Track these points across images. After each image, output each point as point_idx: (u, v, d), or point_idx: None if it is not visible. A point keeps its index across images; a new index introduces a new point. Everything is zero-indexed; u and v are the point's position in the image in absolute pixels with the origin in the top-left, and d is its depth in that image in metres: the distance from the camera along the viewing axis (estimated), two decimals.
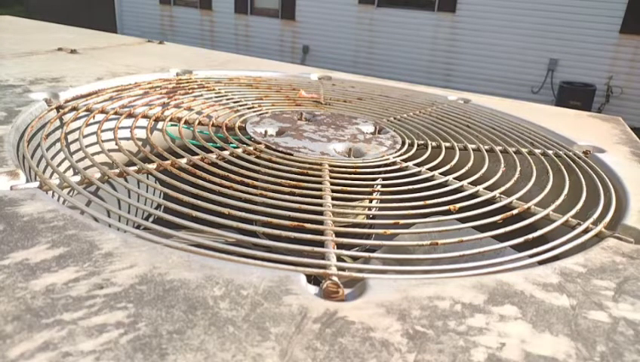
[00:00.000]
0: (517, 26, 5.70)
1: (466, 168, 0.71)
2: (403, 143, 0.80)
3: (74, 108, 0.78)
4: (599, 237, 0.53)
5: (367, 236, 0.77)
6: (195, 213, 0.48)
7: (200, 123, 0.81)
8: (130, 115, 0.79)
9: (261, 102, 0.96)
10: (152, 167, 0.60)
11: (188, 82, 1.02)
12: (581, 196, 0.63)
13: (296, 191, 0.57)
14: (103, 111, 0.78)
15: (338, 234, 0.49)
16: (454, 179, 0.66)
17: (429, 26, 6.17)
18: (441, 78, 6.24)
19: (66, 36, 1.53)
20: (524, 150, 0.80)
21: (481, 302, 0.38)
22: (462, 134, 0.87)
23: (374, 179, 0.68)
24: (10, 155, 0.57)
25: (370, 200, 0.74)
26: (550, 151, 0.80)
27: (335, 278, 0.40)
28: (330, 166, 0.66)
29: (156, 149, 0.66)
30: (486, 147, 0.80)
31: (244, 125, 0.79)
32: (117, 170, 0.56)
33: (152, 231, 0.44)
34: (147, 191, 0.53)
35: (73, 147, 0.78)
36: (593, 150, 0.83)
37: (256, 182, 0.58)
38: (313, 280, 0.40)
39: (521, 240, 0.50)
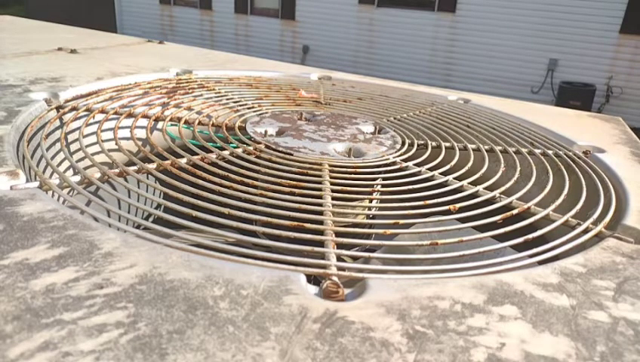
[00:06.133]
0: (517, 26, 5.70)
1: (466, 168, 0.71)
2: (403, 143, 0.80)
3: (74, 108, 0.78)
4: (599, 237, 0.53)
5: (367, 236, 0.77)
6: (195, 213, 0.48)
7: (200, 123, 0.81)
8: (130, 115, 0.79)
9: (261, 102, 0.96)
10: (152, 166, 0.60)
11: (188, 82, 1.02)
12: (581, 196, 0.63)
13: (296, 191, 0.57)
14: (102, 111, 0.78)
15: (338, 234, 0.49)
16: (454, 179, 0.66)
17: (429, 26, 6.17)
18: (441, 78, 6.23)
19: (66, 36, 1.53)
20: (524, 150, 0.80)
21: (481, 302, 0.38)
22: (462, 134, 0.87)
23: (374, 179, 0.68)
24: (10, 155, 0.57)
25: (370, 200, 0.74)
26: (550, 151, 0.80)
27: (335, 278, 0.40)
28: (330, 166, 0.66)
29: (156, 149, 0.66)
30: (486, 147, 0.80)
31: (244, 125, 0.79)
32: (117, 170, 0.56)
33: (152, 231, 0.44)
34: (147, 191, 0.53)
35: (73, 147, 0.78)
36: (593, 150, 0.83)
37: (256, 182, 0.58)
38: (313, 280, 0.40)
39: (520, 240, 0.50)
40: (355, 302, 0.37)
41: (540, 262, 0.46)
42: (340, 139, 0.77)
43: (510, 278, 0.42)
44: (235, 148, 0.69)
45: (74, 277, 0.36)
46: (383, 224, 0.57)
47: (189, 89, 0.97)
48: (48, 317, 0.32)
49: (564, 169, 0.73)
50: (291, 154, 0.69)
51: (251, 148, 0.70)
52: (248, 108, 0.91)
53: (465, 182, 0.65)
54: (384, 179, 0.67)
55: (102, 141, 0.65)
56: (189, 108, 0.87)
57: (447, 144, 0.81)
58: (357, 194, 0.63)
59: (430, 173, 0.68)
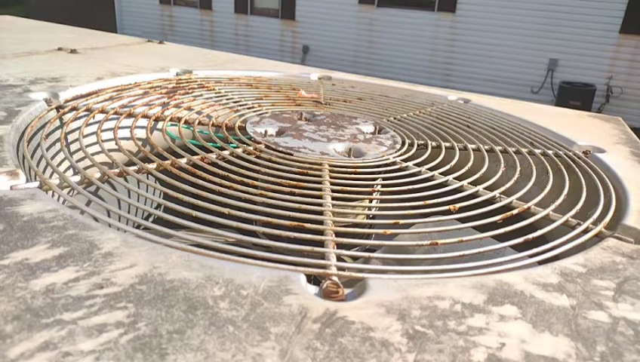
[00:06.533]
0: (517, 26, 5.70)
1: (466, 168, 0.71)
2: (403, 143, 0.80)
3: (74, 108, 0.78)
4: (599, 237, 0.53)
5: (367, 236, 0.77)
6: (195, 213, 0.48)
7: (200, 123, 0.81)
8: (130, 115, 0.79)
9: (261, 102, 0.96)
10: (152, 166, 0.60)
11: (188, 82, 1.02)
12: (581, 196, 0.63)
13: (296, 191, 0.57)
14: (102, 111, 0.78)
15: (338, 234, 0.49)
16: (454, 179, 0.66)
17: (429, 26, 6.17)
18: (441, 78, 6.23)
19: (66, 36, 1.53)
20: (524, 150, 0.80)
21: (481, 302, 0.38)
22: (462, 134, 0.87)
23: (374, 179, 0.68)
24: (10, 155, 0.57)
25: (370, 200, 0.74)
26: (550, 151, 0.80)
27: (335, 278, 0.40)
28: (330, 166, 0.66)
29: (156, 149, 0.66)
30: (486, 147, 0.80)
31: (244, 125, 0.79)
32: (117, 170, 0.56)
33: (152, 231, 0.44)
34: (147, 191, 0.53)
35: (73, 147, 0.78)
36: (593, 150, 0.83)
37: (256, 182, 0.58)
38: (313, 280, 0.40)
39: (520, 240, 0.50)
40: (355, 302, 0.37)
41: (540, 262, 0.46)
42: (339, 139, 0.77)
43: (510, 278, 0.42)
44: (235, 148, 0.69)
45: (74, 277, 0.36)
46: (383, 224, 0.57)
47: (189, 89, 0.97)
48: (48, 317, 0.32)
49: (564, 169, 0.73)
50: (291, 154, 0.69)
51: (251, 148, 0.70)
52: (248, 108, 0.91)
53: (465, 182, 0.65)
54: (384, 179, 0.67)
55: (102, 141, 0.65)
56: (189, 108, 0.87)
57: (447, 144, 0.81)
58: (357, 194, 0.63)
59: (430, 173, 0.68)
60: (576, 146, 0.85)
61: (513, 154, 0.79)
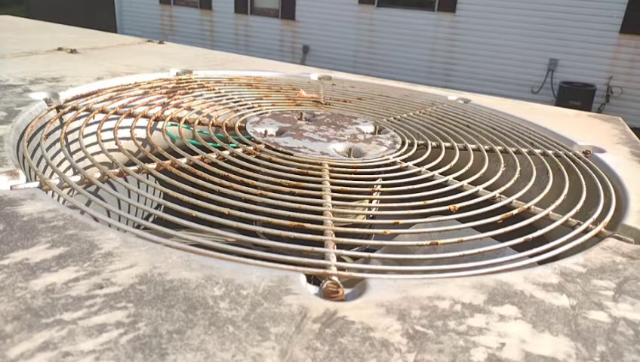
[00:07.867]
0: (517, 26, 5.70)
1: (466, 168, 0.71)
2: (403, 143, 0.80)
3: (74, 108, 0.78)
4: (599, 237, 0.53)
5: (367, 236, 0.77)
6: (195, 213, 0.48)
7: (200, 123, 0.81)
8: (130, 115, 0.79)
9: (261, 102, 0.96)
10: (152, 166, 0.60)
11: (188, 82, 1.02)
12: (581, 196, 0.63)
13: (296, 191, 0.57)
14: (102, 111, 0.78)
15: (338, 234, 0.49)
16: (454, 179, 0.66)
17: (429, 26, 6.17)
18: (441, 78, 6.23)
19: (66, 36, 1.53)
20: (524, 150, 0.80)
21: (481, 302, 0.38)
22: (462, 134, 0.87)
23: (374, 179, 0.68)
24: (10, 155, 0.57)
25: (370, 200, 0.74)
26: (550, 151, 0.80)
27: (335, 278, 0.40)
28: (330, 166, 0.66)
29: (156, 149, 0.66)
30: (486, 147, 0.80)
31: (244, 125, 0.79)
32: (117, 170, 0.56)
33: (152, 231, 0.44)
34: (147, 191, 0.53)
35: (73, 147, 0.78)
36: (593, 150, 0.83)
37: (256, 182, 0.58)
38: (313, 280, 0.40)
39: (520, 240, 0.50)
40: (355, 302, 0.37)
41: (540, 262, 0.46)
42: (339, 139, 0.77)
43: (510, 278, 0.42)
44: (235, 148, 0.69)
45: (74, 277, 0.36)
46: (383, 224, 0.57)
47: (188, 89, 0.97)
48: (48, 317, 0.32)
49: (564, 169, 0.73)
50: (291, 154, 0.69)
51: (251, 148, 0.70)
52: (248, 108, 0.91)
53: (465, 182, 0.65)
54: (384, 179, 0.67)
55: (102, 141, 0.65)
56: (189, 108, 0.87)
57: (447, 144, 0.81)
58: (357, 194, 0.63)
59: (430, 173, 0.68)
60: (577, 146, 0.85)
61: (513, 154, 0.79)
